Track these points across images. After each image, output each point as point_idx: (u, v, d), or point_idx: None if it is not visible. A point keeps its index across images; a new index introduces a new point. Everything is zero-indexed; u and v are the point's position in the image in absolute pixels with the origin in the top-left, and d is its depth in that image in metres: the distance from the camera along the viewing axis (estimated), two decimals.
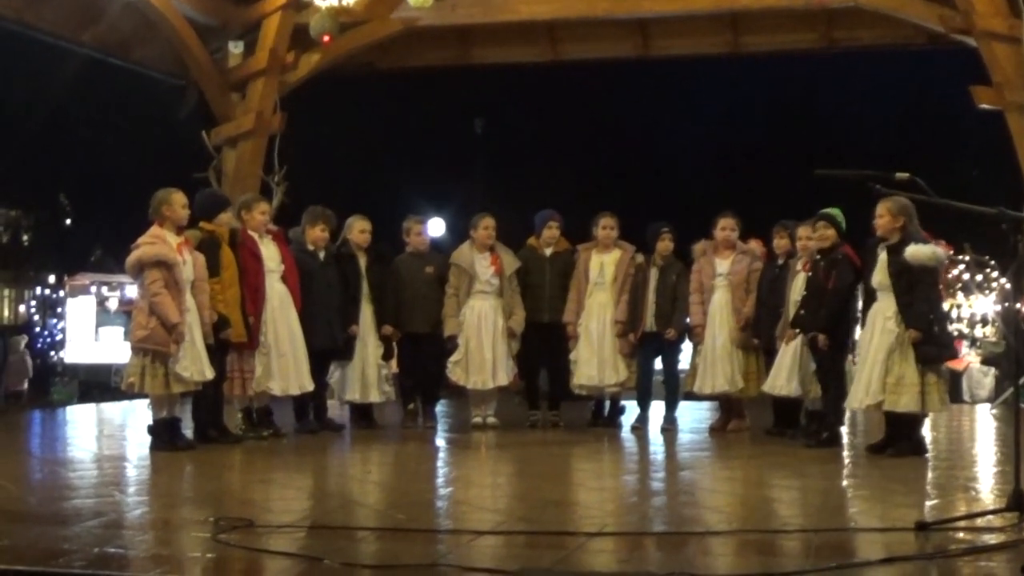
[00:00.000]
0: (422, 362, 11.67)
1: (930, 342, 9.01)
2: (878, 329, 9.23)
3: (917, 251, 8.92)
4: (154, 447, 9.37)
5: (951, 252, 14.66)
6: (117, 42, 16.21)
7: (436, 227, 23.87)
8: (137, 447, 9.88)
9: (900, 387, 9.04)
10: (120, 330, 19.76)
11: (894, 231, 9.13)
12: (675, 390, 11.74)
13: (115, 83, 19.04)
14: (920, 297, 9.00)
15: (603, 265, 11.60)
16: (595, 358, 11.42)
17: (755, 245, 11.42)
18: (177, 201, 9.39)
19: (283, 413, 11.11)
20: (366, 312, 11.35)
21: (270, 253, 10.48)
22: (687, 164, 32.48)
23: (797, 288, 10.31)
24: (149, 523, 6.17)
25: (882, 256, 9.21)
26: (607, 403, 11.90)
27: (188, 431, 9.85)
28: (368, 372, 11.38)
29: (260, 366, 10.32)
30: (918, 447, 9.17)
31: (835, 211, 10.06)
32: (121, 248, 9.59)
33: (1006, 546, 5.28)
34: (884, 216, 9.16)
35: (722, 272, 11.25)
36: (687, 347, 11.84)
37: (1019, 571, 4.61)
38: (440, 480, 8.41)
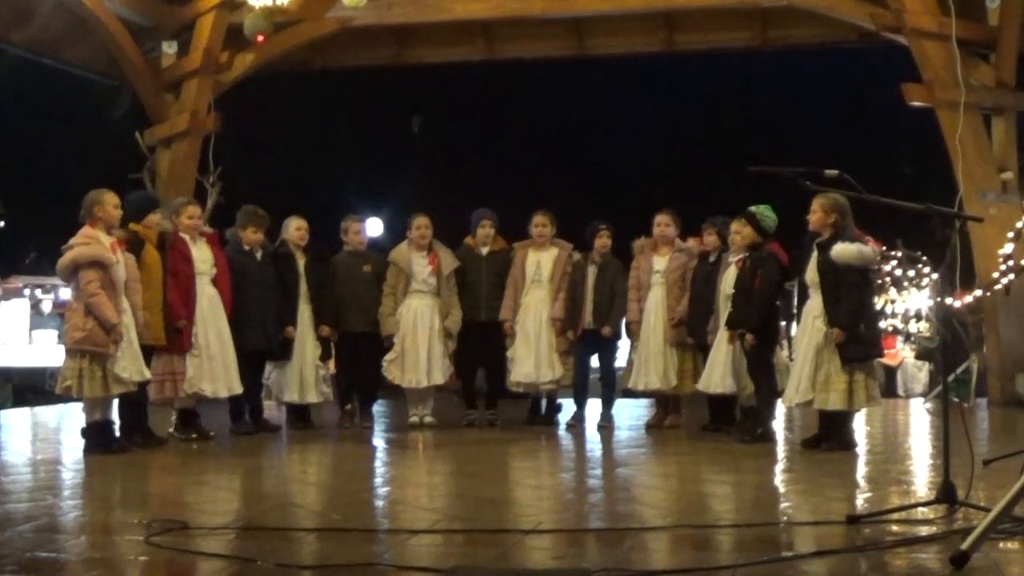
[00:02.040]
0: (360, 361, 11.64)
1: (854, 341, 9.09)
2: (808, 327, 9.32)
3: (843, 250, 9.01)
4: (88, 450, 9.30)
5: (882, 249, 14.80)
6: (49, 42, 16.04)
7: (374, 226, 23.79)
8: (71, 450, 9.79)
9: (828, 385, 9.14)
10: (54, 333, 19.55)
11: (826, 227, 9.22)
12: (612, 387, 11.79)
13: (47, 84, 18.82)
14: (845, 295, 9.09)
15: (540, 263, 11.63)
16: (532, 355, 11.45)
17: (693, 243, 11.48)
18: (109, 202, 9.31)
19: (218, 415, 11.06)
20: (304, 312, 11.32)
21: (202, 256, 10.44)
22: (625, 162, 32.61)
23: (727, 283, 10.39)
24: (83, 527, 6.11)
25: (814, 254, 9.29)
26: (544, 401, 11.93)
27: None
28: (306, 372, 11.35)
29: (192, 368, 10.27)
30: (848, 442, 9.26)
31: (763, 208, 10.13)
32: (55, 250, 9.48)
33: (936, 538, 5.36)
34: (816, 212, 9.24)
35: (659, 269, 11.32)
36: (625, 344, 11.89)
37: (948, 562, 4.67)
38: (377, 480, 8.40)
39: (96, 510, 6.80)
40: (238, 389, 10.67)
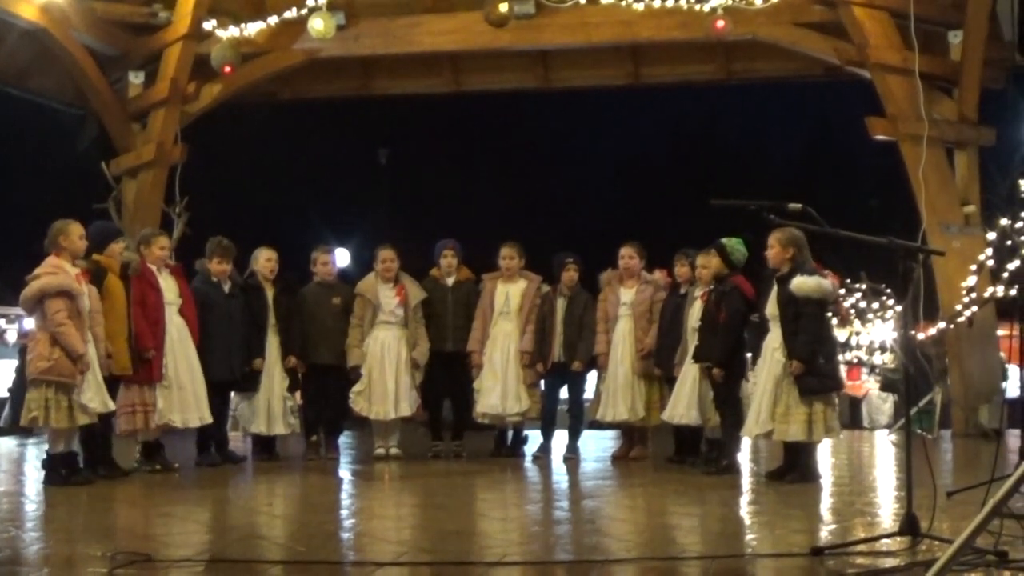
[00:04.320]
0: (326, 393, 11.62)
1: (813, 373, 9.14)
2: (767, 359, 9.38)
3: (803, 283, 9.07)
4: (49, 481, 9.23)
5: (844, 282, 14.88)
6: (15, 71, 15.99)
7: (341, 257, 23.80)
8: (35, 482, 9.72)
9: (788, 416, 9.19)
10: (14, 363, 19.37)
11: (784, 262, 9.28)
12: (579, 419, 11.80)
13: (13, 113, 18.76)
14: (803, 328, 9.14)
15: (508, 295, 11.64)
16: (499, 387, 11.44)
17: (660, 275, 11.51)
18: (74, 232, 9.29)
19: (183, 446, 11.01)
20: (272, 343, 11.30)
21: (169, 286, 10.43)
22: (591, 193, 32.72)
23: (694, 315, 10.44)
24: (46, 559, 6.08)
25: (774, 288, 9.35)
26: (510, 433, 11.93)
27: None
28: (274, 404, 11.32)
29: (162, 399, 10.24)
30: (812, 474, 9.30)
31: (734, 241, 10.17)
32: (19, 280, 9.43)
33: (899, 570, 5.39)
34: (774, 247, 9.31)
35: (626, 301, 11.34)
36: (592, 376, 11.91)
37: None
38: (342, 512, 8.39)
39: (59, 542, 6.75)
40: (208, 419, 10.62)
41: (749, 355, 10.33)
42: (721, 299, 9.99)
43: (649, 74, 17.44)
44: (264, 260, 11.41)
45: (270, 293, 11.35)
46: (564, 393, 11.81)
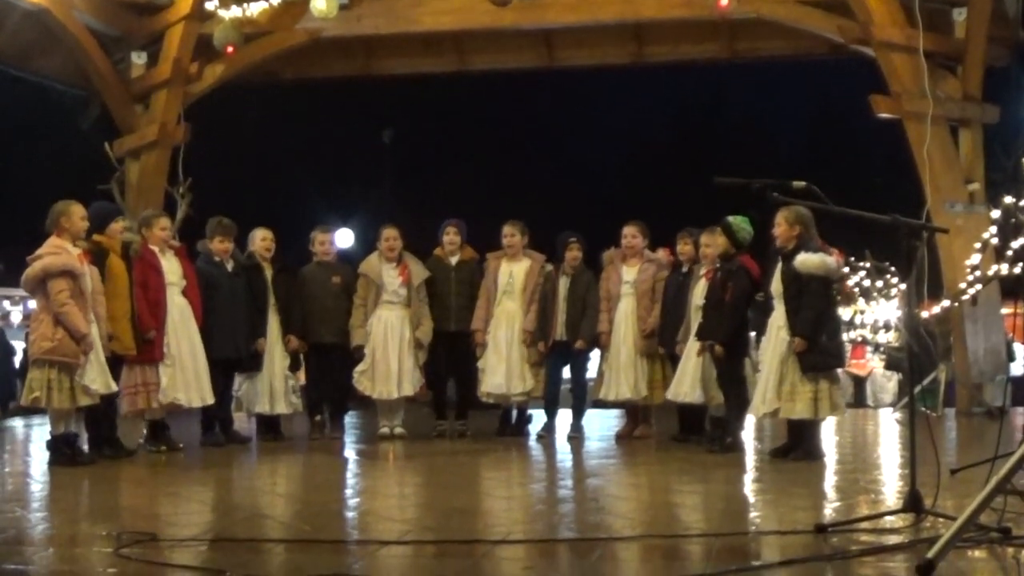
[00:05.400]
0: (329, 373, 11.63)
1: (815, 350, 9.14)
2: (772, 338, 9.37)
3: (806, 260, 9.06)
4: (53, 462, 9.24)
5: (849, 259, 14.85)
6: (17, 52, 15.96)
7: (345, 237, 23.78)
8: (40, 463, 9.73)
9: (794, 394, 9.19)
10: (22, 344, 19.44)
11: (790, 239, 9.27)
12: (582, 398, 11.82)
13: (16, 94, 18.76)
14: (807, 305, 9.13)
15: (512, 274, 11.63)
16: (503, 366, 11.44)
17: (663, 254, 11.50)
18: (76, 212, 9.28)
19: (187, 427, 11.02)
20: (273, 323, 11.30)
21: (171, 267, 10.44)
22: (594, 173, 32.68)
23: (698, 294, 10.43)
24: (51, 539, 6.08)
25: (779, 265, 9.34)
26: (514, 412, 11.94)
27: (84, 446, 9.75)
28: (276, 384, 11.32)
29: (166, 377, 10.25)
30: (814, 452, 9.30)
31: (739, 219, 10.12)
32: (22, 261, 9.43)
33: (902, 547, 5.38)
34: (781, 225, 9.30)
35: (629, 280, 11.33)
36: (595, 355, 11.90)
37: (914, 570, 4.69)
38: (347, 491, 8.38)
39: (64, 522, 6.76)
40: (210, 399, 10.63)
41: (753, 334, 10.31)
42: (728, 278, 9.96)
43: (653, 53, 17.38)
44: (260, 240, 11.40)
45: (269, 273, 11.34)
46: (567, 373, 11.82)
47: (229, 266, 11.07)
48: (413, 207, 23.15)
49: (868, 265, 18.52)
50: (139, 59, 16.68)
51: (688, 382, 10.48)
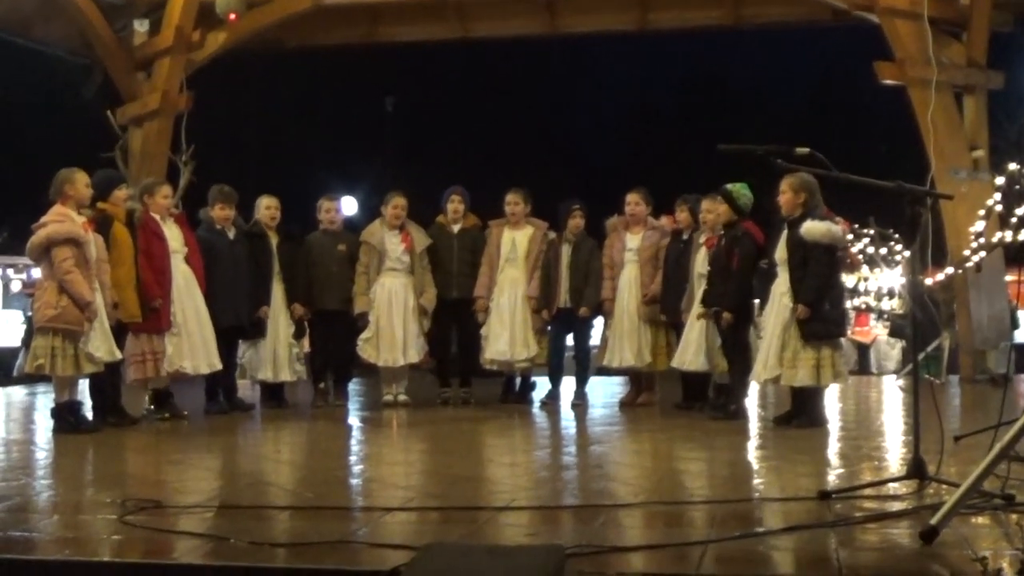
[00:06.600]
0: (333, 340, 11.64)
1: (818, 318, 9.13)
2: (775, 305, 9.36)
3: (812, 227, 9.04)
4: (57, 430, 9.27)
5: (853, 227, 14.82)
6: (19, 20, 15.93)
7: (348, 206, 23.76)
8: (44, 431, 9.76)
9: (796, 361, 9.18)
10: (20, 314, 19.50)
11: (796, 207, 9.24)
12: (586, 365, 11.82)
13: (18, 62, 18.71)
14: (812, 272, 9.12)
15: (515, 241, 11.63)
16: (506, 333, 11.46)
17: (666, 221, 11.48)
18: (80, 180, 9.28)
19: (191, 395, 11.04)
20: (277, 291, 11.31)
21: (173, 235, 10.43)
22: (598, 140, 32.62)
23: (700, 261, 10.42)
24: (56, 506, 6.10)
25: (784, 232, 9.32)
26: (518, 379, 11.95)
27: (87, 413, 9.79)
28: (280, 351, 11.34)
29: (171, 346, 10.27)
30: (819, 419, 9.31)
31: (738, 186, 10.10)
32: (25, 229, 9.43)
33: (906, 513, 5.39)
34: (786, 192, 9.27)
35: (632, 247, 11.33)
36: (599, 323, 11.91)
37: (918, 537, 4.70)
38: (351, 458, 8.41)
39: (69, 489, 6.78)
40: (218, 365, 10.65)
41: (756, 301, 10.31)
42: (733, 244, 9.95)
43: (657, 19, 17.31)
44: (264, 208, 11.39)
45: (274, 241, 11.34)
46: (570, 340, 11.83)
47: (231, 234, 11.06)
48: (416, 174, 23.11)
49: (872, 232, 18.49)
50: (141, 27, 16.63)
51: (692, 350, 10.48)
